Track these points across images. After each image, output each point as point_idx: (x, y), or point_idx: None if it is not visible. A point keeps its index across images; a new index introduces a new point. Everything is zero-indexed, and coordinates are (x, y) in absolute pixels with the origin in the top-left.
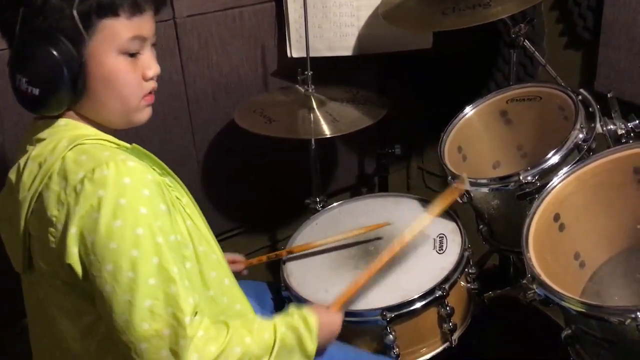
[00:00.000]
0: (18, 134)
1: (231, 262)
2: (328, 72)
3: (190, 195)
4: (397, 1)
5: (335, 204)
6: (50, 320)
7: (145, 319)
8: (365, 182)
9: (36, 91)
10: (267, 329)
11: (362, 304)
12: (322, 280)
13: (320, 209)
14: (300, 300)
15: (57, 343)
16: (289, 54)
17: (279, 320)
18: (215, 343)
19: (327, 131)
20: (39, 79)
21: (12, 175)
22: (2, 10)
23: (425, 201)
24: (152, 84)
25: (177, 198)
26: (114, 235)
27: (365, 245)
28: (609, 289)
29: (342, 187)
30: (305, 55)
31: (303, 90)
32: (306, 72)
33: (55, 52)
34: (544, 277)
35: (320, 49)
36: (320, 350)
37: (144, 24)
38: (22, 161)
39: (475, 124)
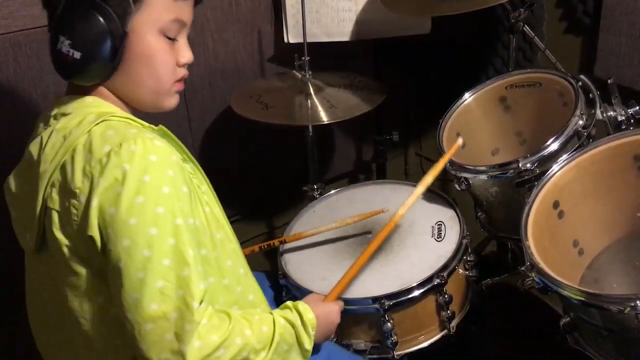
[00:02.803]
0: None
1: None
2: (325, 57)
3: (210, 183)
4: None
5: (332, 191)
6: (62, 301)
7: (154, 299)
8: (362, 169)
9: (77, 55)
10: (266, 323)
11: (360, 292)
12: (320, 269)
13: (317, 196)
14: (299, 289)
15: (67, 325)
16: (285, 40)
17: (278, 314)
18: (217, 332)
19: (324, 117)
20: (83, 42)
21: (33, 148)
22: None
23: None
24: (184, 71)
25: (198, 186)
26: (135, 211)
27: (362, 233)
28: (608, 276)
29: (340, 174)
30: (302, 41)
31: (300, 76)
32: (303, 58)
33: (102, 19)
34: (542, 265)
35: (318, 35)
36: (320, 343)
37: (186, 10)
38: (45, 134)
39: (474, 110)
